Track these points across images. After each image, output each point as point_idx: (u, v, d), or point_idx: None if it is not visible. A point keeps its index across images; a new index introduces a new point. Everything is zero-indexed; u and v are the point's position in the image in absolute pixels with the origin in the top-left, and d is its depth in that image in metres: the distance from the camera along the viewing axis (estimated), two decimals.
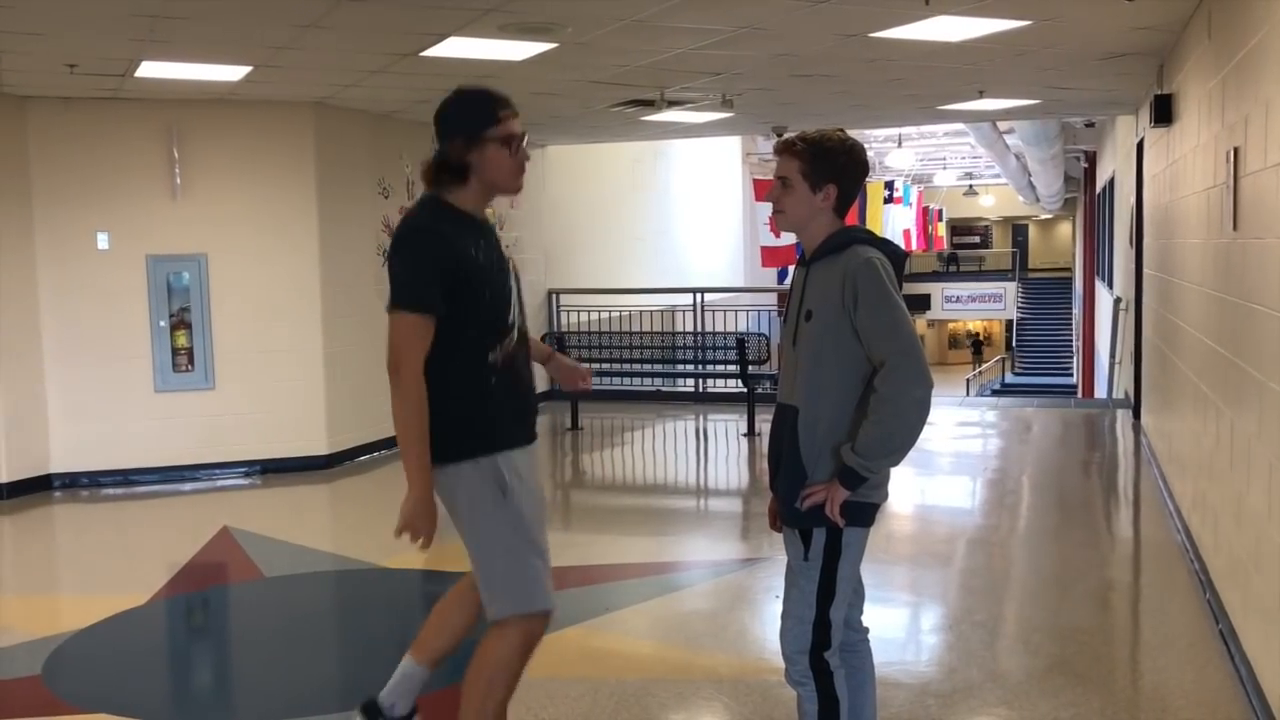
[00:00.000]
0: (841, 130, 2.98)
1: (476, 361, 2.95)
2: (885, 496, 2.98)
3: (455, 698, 3.57)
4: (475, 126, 2.95)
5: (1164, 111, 6.84)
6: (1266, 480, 3.72)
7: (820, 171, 2.90)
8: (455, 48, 6.25)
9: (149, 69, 6.72)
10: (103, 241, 8.01)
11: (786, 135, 2.96)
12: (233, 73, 6.93)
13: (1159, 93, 7.05)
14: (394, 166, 9.07)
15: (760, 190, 18.10)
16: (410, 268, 2.90)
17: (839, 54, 6.83)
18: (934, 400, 2.84)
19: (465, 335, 2.93)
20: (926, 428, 2.86)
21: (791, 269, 19.07)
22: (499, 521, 3.01)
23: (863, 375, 2.85)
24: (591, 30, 5.97)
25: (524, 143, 3.03)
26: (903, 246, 3.03)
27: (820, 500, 2.86)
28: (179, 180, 8.07)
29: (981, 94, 8.84)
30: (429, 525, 2.94)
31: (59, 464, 8.05)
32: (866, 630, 3.17)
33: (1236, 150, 4.31)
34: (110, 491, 8.05)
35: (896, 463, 2.88)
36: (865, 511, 2.93)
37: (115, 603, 5.38)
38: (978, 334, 40.10)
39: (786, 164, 2.93)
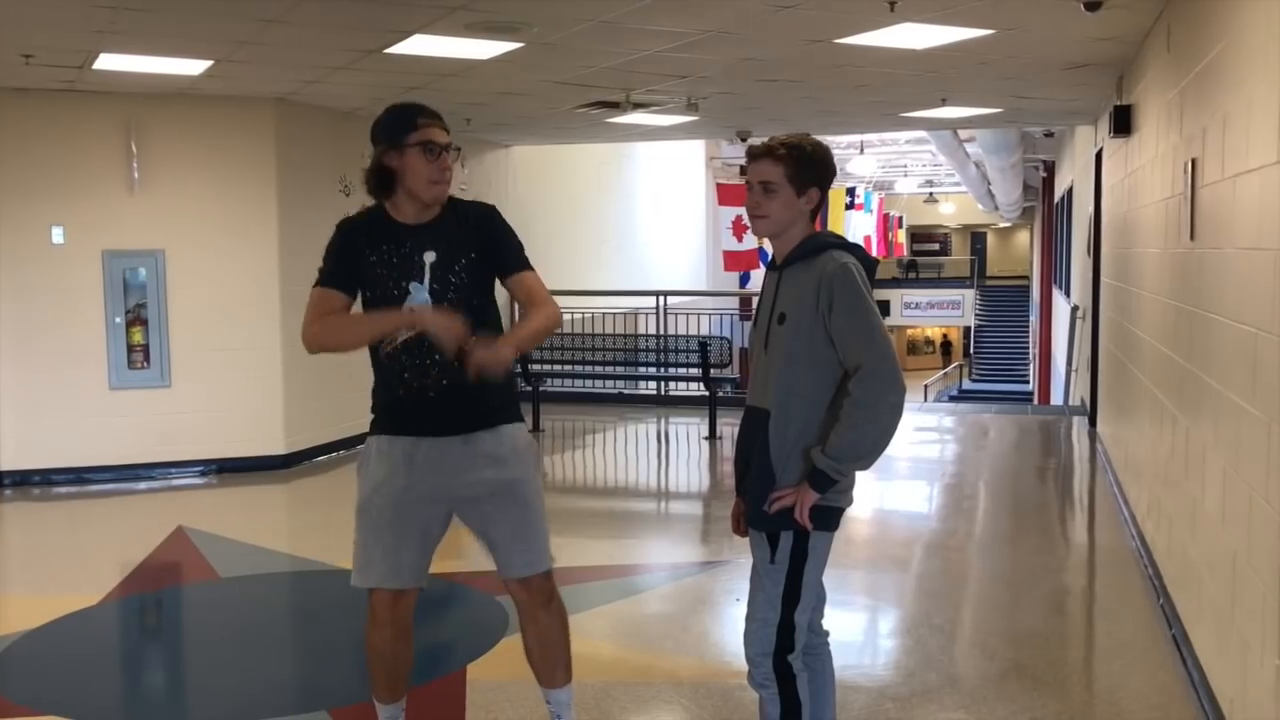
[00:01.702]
0: (808, 134, 3.01)
1: (373, 358, 3.21)
2: (851, 501, 2.99)
3: (426, 694, 3.55)
4: (398, 133, 3.11)
5: (1123, 122, 6.93)
6: (1220, 487, 3.78)
7: (804, 176, 2.92)
8: (420, 45, 6.22)
9: (108, 61, 6.62)
10: (58, 236, 7.87)
11: (764, 140, 2.98)
12: (193, 66, 6.84)
13: (1118, 104, 7.14)
14: (355, 165, 8.90)
15: (724, 194, 18.12)
16: (324, 256, 3.23)
17: (804, 59, 6.86)
18: None
19: None
20: None
21: (754, 273, 19.09)
22: (359, 494, 3.24)
23: (834, 379, 2.87)
24: (558, 30, 5.95)
25: (447, 153, 3.11)
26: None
27: (789, 503, 2.87)
28: (137, 175, 7.96)
29: (944, 102, 8.92)
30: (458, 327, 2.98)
31: (10, 461, 7.90)
32: (827, 634, 3.19)
33: (1195, 161, 4.37)
34: (63, 490, 7.92)
35: (867, 466, 2.91)
36: (831, 516, 2.95)
37: (67, 603, 5.29)
38: (946, 337, 40.41)
39: (769, 169, 2.92)
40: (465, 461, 3.18)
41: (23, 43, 6.17)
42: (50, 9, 5.40)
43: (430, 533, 3.25)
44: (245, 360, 8.33)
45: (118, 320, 8.03)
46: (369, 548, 3.21)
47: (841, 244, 2.97)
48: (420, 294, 3.11)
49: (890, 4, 5.23)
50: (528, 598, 3.32)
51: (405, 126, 3.09)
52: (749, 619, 3.01)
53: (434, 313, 3.02)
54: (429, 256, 3.12)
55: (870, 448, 2.83)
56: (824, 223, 3.07)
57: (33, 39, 6.11)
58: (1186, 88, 4.71)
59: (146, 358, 8.10)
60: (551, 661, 3.38)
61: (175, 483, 8.14)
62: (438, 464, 3.17)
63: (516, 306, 3.38)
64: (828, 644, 3.18)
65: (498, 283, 3.28)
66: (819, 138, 3.01)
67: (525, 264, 3.28)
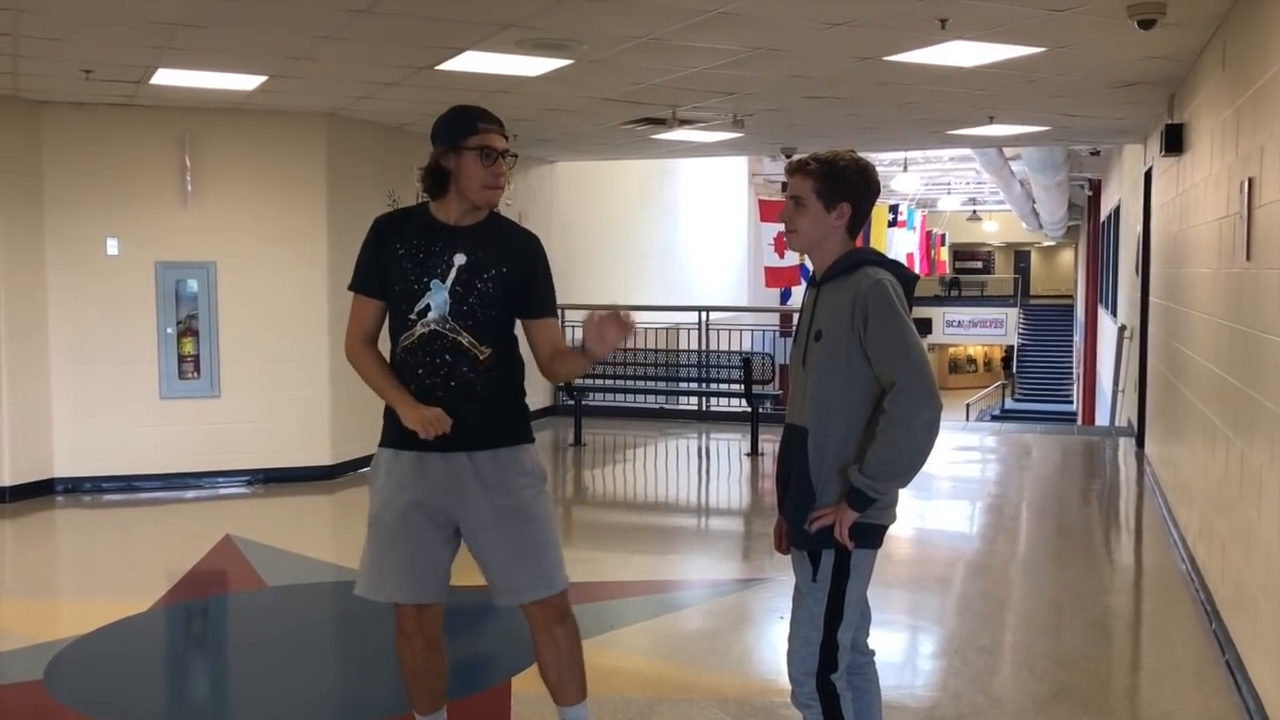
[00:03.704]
0: (853, 151, 2.99)
1: (393, 350, 3.22)
2: (894, 519, 2.97)
3: (470, 706, 3.56)
4: (457, 135, 3.13)
5: (1175, 141, 6.86)
6: (1278, 510, 3.72)
7: (834, 190, 2.91)
8: (471, 62, 6.28)
9: (164, 76, 6.74)
10: (112, 247, 8.02)
11: (799, 155, 2.96)
12: (248, 82, 6.95)
13: (1170, 122, 7.07)
14: (404, 178, 9.08)
15: (765, 210, 18.11)
16: (359, 251, 3.28)
17: (852, 76, 6.86)
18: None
19: (390, 322, 3.24)
20: None
21: (795, 289, 18.99)
22: (370, 507, 3.27)
23: (872, 396, 2.85)
24: (607, 48, 5.99)
25: (503, 159, 3.14)
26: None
27: (829, 523, 2.86)
28: (190, 188, 8.09)
29: (991, 119, 8.88)
30: (430, 413, 3.08)
31: (62, 468, 8.04)
32: (873, 653, 3.16)
33: (1251, 181, 4.32)
34: (113, 497, 8.03)
35: (905, 484, 2.89)
36: (874, 533, 2.93)
37: (117, 609, 5.36)
38: (1006, 352, 39.78)
39: (800, 183, 2.93)
40: (473, 481, 3.16)
41: (83, 59, 6.31)
42: (111, 26, 5.52)
43: (442, 547, 3.24)
44: (293, 371, 8.43)
45: (169, 331, 8.15)
46: (382, 562, 3.23)
47: (879, 260, 2.95)
48: (439, 293, 3.12)
49: (941, 22, 5.22)
50: (543, 615, 3.29)
51: (465, 129, 3.12)
52: (792, 638, 2.99)
53: (419, 414, 3.07)
54: (459, 259, 3.13)
55: (907, 465, 2.81)
56: (865, 240, 3.04)
57: (93, 55, 6.24)
58: (1243, 106, 4.66)
59: (197, 368, 8.21)
60: (566, 678, 3.36)
61: (223, 491, 8.24)
62: (445, 480, 3.16)
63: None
64: (873, 663, 3.16)
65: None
66: (863, 155, 2.98)
67: (554, 310, 3.31)
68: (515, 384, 3.28)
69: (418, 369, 3.14)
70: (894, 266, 2.95)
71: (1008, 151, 17.19)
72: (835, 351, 2.86)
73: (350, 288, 3.29)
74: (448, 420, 3.07)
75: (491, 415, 3.18)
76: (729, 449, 10.26)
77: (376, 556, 3.24)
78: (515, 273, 3.18)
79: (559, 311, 3.41)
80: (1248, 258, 4.37)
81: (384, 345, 3.30)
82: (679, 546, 7.13)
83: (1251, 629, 4.20)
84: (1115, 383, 12.81)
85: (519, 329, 3.28)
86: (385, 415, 3.24)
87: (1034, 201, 23.23)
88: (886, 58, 6.21)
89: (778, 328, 16.21)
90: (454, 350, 3.12)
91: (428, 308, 3.12)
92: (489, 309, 3.14)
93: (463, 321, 3.13)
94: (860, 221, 2.97)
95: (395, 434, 3.19)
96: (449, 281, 3.13)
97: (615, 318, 2.98)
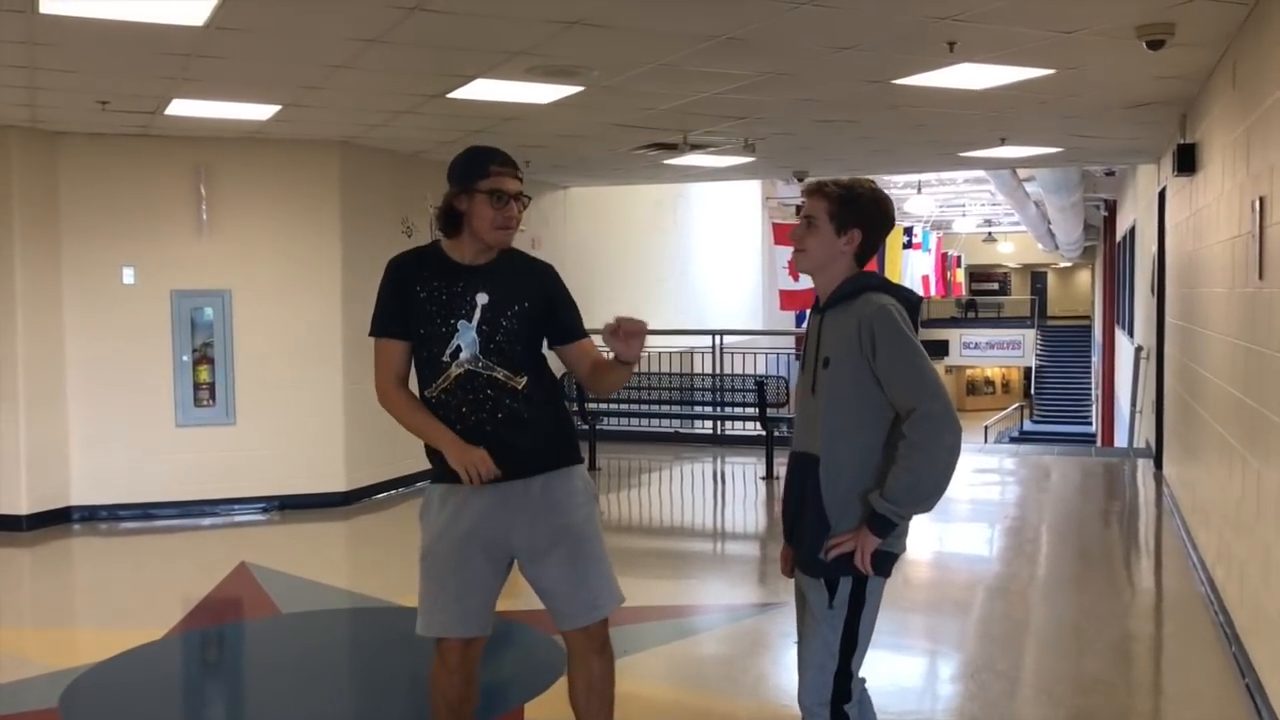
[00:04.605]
0: (873, 182, 2.99)
1: (423, 394, 3.23)
2: (904, 548, 2.95)
3: None
4: (469, 177, 3.16)
5: (1187, 160, 6.85)
6: None
7: (847, 215, 2.91)
8: (482, 90, 6.32)
9: (179, 107, 6.81)
10: (128, 276, 8.07)
11: (818, 178, 2.96)
12: (262, 111, 7.01)
13: (1182, 142, 7.06)
14: (418, 206, 9.13)
15: (779, 234, 18.14)
16: (377, 296, 3.27)
17: (862, 100, 6.87)
18: None
19: (418, 366, 3.25)
20: None
21: (809, 313, 19.03)
22: (422, 542, 3.26)
23: (884, 421, 2.83)
24: (618, 74, 6.02)
25: (515, 202, 3.17)
26: (918, 292, 3.01)
27: (849, 549, 2.83)
28: (205, 216, 8.15)
29: (1003, 141, 8.87)
30: (475, 455, 3.08)
31: (79, 497, 8.07)
32: (863, 680, 3.12)
33: (1262, 200, 4.31)
34: (129, 525, 8.05)
35: (928, 509, 2.85)
36: (887, 561, 2.91)
37: (133, 636, 5.37)
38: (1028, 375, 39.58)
39: (815, 204, 2.94)
40: (526, 508, 3.18)
41: (100, 90, 6.38)
42: (127, 57, 5.58)
43: (493, 580, 3.25)
44: (308, 398, 8.45)
45: (185, 359, 8.20)
46: (433, 596, 3.21)
47: (882, 285, 2.94)
48: (468, 333, 3.15)
49: (949, 44, 5.23)
50: (585, 643, 3.29)
51: (478, 172, 3.15)
52: (805, 667, 2.96)
53: (466, 457, 3.08)
54: (482, 298, 3.17)
55: (930, 490, 2.79)
56: (880, 263, 3.03)
57: (110, 86, 6.30)
58: (1254, 125, 4.65)
59: (212, 396, 8.25)
60: (597, 708, 3.34)
61: (238, 519, 8.25)
62: (499, 510, 3.17)
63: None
64: (866, 690, 3.12)
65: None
66: (876, 178, 2.99)
67: (583, 330, 3.35)
68: (558, 405, 3.32)
69: (461, 408, 3.15)
70: (897, 290, 2.95)
71: (1022, 173, 17.18)
72: (844, 378, 2.85)
73: (372, 334, 3.28)
74: (492, 465, 3.07)
75: (542, 440, 3.22)
76: (744, 473, 10.22)
77: (429, 591, 3.23)
78: (536, 305, 3.23)
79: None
80: (1260, 277, 4.35)
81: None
82: (694, 571, 7.10)
83: (1271, 653, 4.15)
84: (1133, 404, 12.75)
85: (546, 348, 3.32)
86: (431, 454, 3.24)
87: (1049, 222, 23.19)
88: (896, 81, 6.22)
89: (792, 351, 16.19)
90: (492, 385, 3.16)
91: (459, 349, 3.15)
92: (515, 343, 3.18)
93: (492, 358, 3.16)
94: (870, 251, 2.97)
95: (449, 469, 3.17)
96: (475, 321, 3.16)
97: (628, 324, 3.06)
